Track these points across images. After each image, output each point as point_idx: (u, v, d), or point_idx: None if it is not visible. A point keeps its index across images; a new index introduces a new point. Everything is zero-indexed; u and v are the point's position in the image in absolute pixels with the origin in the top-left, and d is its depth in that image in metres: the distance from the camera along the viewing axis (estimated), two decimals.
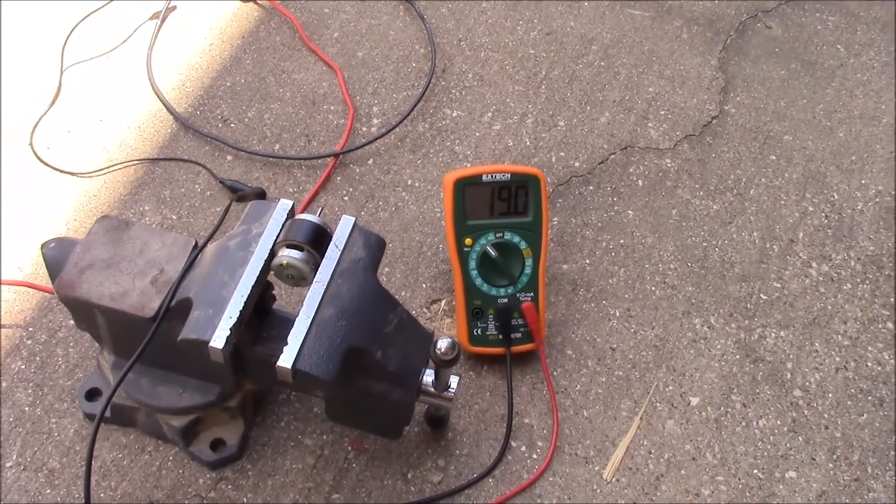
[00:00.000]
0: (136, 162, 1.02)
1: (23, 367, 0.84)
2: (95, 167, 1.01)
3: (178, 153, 1.03)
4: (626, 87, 1.16)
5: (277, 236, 0.69)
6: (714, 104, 1.15)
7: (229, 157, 1.03)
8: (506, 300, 0.87)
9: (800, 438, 0.85)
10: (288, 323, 0.68)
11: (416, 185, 1.03)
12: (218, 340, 0.64)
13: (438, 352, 0.69)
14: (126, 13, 1.18)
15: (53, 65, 1.11)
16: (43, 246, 0.73)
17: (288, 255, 0.67)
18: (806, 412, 0.87)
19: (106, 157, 1.02)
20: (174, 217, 0.97)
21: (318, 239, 0.69)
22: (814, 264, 0.99)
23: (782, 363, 0.91)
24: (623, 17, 1.26)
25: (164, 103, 1.07)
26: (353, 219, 0.72)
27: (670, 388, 0.88)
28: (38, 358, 0.85)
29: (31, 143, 1.02)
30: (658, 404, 0.87)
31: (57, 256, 0.72)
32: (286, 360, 0.64)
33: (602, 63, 1.19)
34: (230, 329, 0.64)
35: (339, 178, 1.02)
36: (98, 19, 1.17)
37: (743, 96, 1.17)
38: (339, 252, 0.70)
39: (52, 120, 1.05)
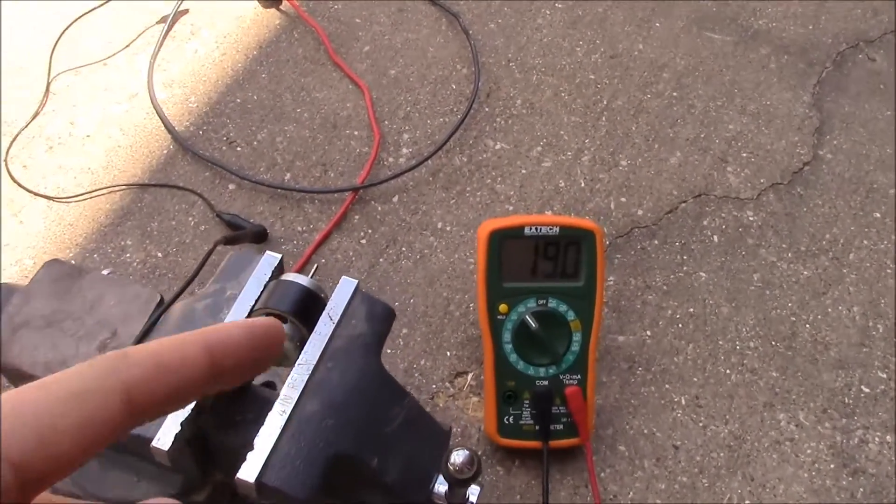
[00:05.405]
0: (122, 187, 0.88)
1: None
2: (76, 191, 0.87)
3: (172, 179, 0.89)
4: (701, 122, 1.00)
5: (256, 301, 0.55)
6: (806, 147, 0.98)
7: (231, 186, 0.89)
8: (546, 383, 0.70)
9: None
10: (268, 405, 0.53)
11: (448, 228, 0.87)
12: (163, 441, 0.49)
13: (452, 468, 0.53)
14: (129, 15, 1.04)
15: (40, 71, 0.97)
16: None
17: None
18: None
19: (90, 180, 0.88)
20: (159, 254, 0.82)
21: (307, 307, 0.54)
22: None
23: (889, 478, 0.73)
24: (700, 42, 1.09)
25: (162, 120, 0.93)
26: (356, 282, 0.57)
27: (747, 502, 0.71)
28: None
29: (5, 160, 0.89)
30: None
31: None
32: (249, 472, 0.49)
33: (674, 94, 1.03)
34: (181, 424, 0.49)
35: (356, 217, 0.87)
36: (96, 20, 1.03)
37: (841, 139, 0.99)
38: (334, 326, 0.55)
39: (32, 134, 0.92)
